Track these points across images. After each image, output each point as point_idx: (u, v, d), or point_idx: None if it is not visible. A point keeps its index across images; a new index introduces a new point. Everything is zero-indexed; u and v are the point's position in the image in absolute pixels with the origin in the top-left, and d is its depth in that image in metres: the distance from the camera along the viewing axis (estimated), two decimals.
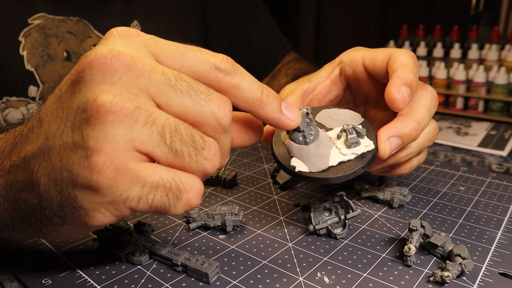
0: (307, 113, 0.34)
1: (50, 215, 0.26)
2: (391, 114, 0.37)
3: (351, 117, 0.38)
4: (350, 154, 0.34)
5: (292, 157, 0.34)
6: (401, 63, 0.36)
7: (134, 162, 0.24)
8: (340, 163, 0.34)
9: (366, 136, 0.35)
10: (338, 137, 0.35)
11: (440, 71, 0.89)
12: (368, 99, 0.43)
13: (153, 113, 0.24)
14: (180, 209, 0.26)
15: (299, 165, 0.34)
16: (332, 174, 0.33)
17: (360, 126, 0.35)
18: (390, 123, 0.35)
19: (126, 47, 0.25)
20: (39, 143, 0.25)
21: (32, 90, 0.58)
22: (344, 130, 0.34)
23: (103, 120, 0.23)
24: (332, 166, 0.34)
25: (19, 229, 0.28)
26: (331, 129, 0.36)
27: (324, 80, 0.42)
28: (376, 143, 0.35)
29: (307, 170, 0.33)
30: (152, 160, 0.25)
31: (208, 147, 0.26)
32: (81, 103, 0.24)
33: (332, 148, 0.34)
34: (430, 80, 0.92)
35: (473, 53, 0.92)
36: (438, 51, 0.98)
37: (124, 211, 0.25)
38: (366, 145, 0.34)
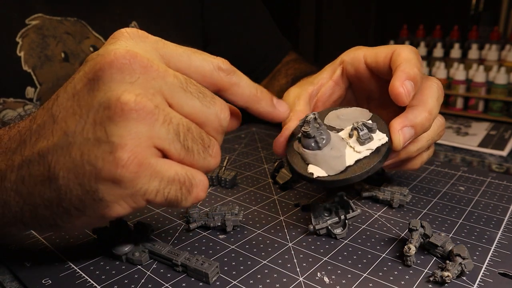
0: (315, 118, 0.33)
1: (68, 207, 0.27)
2: (394, 112, 0.37)
3: (360, 114, 0.38)
4: (365, 150, 0.34)
5: (308, 164, 0.34)
6: (404, 58, 0.36)
7: (154, 158, 0.26)
8: (357, 161, 0.33)
9: (378, 130, 0.35)
10: (350, 135, 0.34)
11: (440, 71, 0.89)
12: (371, 97, 0.43)
13: (169, 112, 0.26)
14: (189, 202, 0.28)
15: (316, 171, 0.33)
16: (351, 174, 0.33)
17: (370, 121, 0.35)
18: (401, 115, 0.35)
19: (139, 48, 0.27)
20: (56, 139, 0.26)
21: (30, 91, 0.58)
22: (355, 128, 0.34)
23: (127, 117, 0.24)
24: (349, 166, 0.33)
25: (29, 223, 0.29)
26: (342, 129, 0.36)
27: (327, 81, 0.42)
28: (389, 135, 0.34)
29: (325, 174, 0.33)
30: (165, 156, 0.27)
31: (213, 145, 0.28)
32: (103, 101, 0.25)
33: (346, 148, 0.34)
34: None
35: (473, 53, 0.92)
36: (438, 51, 0.98)
37: (141, 203, 0.27)
38: (379, 138, 0.34)
